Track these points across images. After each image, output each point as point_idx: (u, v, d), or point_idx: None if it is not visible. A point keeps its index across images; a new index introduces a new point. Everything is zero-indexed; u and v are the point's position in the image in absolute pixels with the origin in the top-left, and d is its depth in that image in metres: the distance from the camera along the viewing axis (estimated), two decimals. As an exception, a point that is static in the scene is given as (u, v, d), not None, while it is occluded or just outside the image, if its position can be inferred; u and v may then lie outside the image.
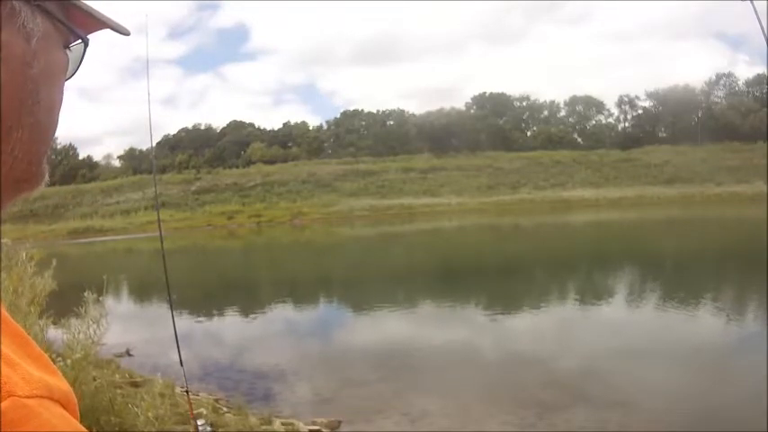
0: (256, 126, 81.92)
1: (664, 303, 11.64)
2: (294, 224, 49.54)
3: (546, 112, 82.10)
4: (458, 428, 5.82)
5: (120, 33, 0.61)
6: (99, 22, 0.59)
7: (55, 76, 0.55)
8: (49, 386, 0.40)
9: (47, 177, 0.56)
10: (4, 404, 0.36)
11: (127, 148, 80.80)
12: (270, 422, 5.84)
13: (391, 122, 79.94)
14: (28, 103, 0.51)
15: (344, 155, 70.97)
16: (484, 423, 5.86)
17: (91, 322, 4.38)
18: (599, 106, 79.90)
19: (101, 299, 4.61)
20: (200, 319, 12.79)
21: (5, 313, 0.44)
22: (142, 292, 17.23)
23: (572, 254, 21.34)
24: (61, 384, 0.43)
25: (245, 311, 13.68)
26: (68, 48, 0.57)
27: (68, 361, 4.07)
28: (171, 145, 77.85)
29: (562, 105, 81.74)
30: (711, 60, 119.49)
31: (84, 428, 0.43)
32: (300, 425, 5.81)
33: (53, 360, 0.49)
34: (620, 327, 9.96)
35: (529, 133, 79.14)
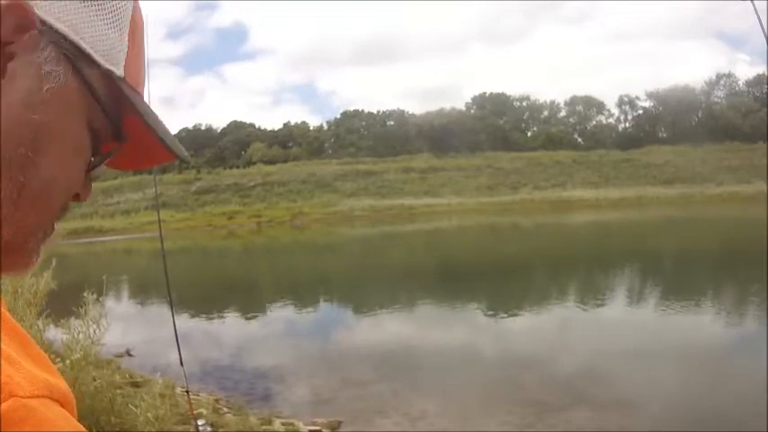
0: (257, 126, 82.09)
1: (664, 303, 11.64)
2: (294, 224, 49.53)
3: (546, 113, 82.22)
4: (458, 428, 5.82)
5: (175, 156, 0.55)
6: (147, 128, 0.52)
7: (65, 146, 0.47)
8: (50, 385, 0.40)
9: (32, 262, 0.49)
10: (5, 405, 0.36)
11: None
12: (270, 422, 5.84)
13: (391, 123, 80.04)
14: (19, 151, 0.44)
15: (345, 155, 71.04)
16: (484, 423, 5.86)
17: (90, 322, 4.38)
18: (599, 106, 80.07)
19: (100, 299, 4.61)
20: (201, 319, 12.79)
21: (6, 312, 0.43)
22: (142, 293, 17.23)
23: (572, 254, 21.33)
24: (60, 383, 0.42)
25: (246, 311, 13.68)
26: (99, 136, 0.50)
27: (68, 361, 4.07)
28: (171, 145, 77.85)
29: (562, 105, 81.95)
30: (711, 60, 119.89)
31: (82, 427, 0.42)
32: (300, 425, 5.81)
33: (52, 361, 0.47)
34: (619, 327, 9.96)
35: (529, 133, 79.26)
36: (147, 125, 0.52)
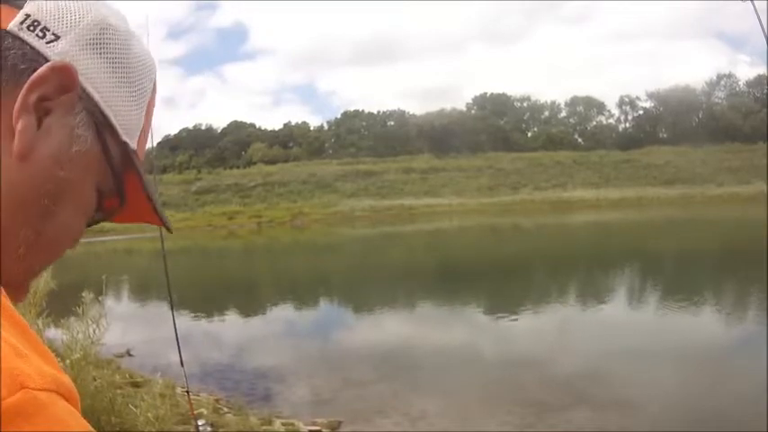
0: (257, 126, 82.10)
1: (664, 304, 11.64)
2: (294, 224, 49.55)
3: (546, 113, 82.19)
4: (458, 428, 5.82)
5: (162, 225, 0.62)
6: (144, 196, 0.57)
7: (78, 203, 0.52)
8: (57, 380, 0.41)
9: (25, 297, 0.53)
10: (16, 396, 0.36)
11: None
12: (270, 422, 5.84)
13: (392, 123, 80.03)
14: (43, 202, 0.48)
15: (345, 155, 71.04)
16: (484, 423, 5.85)
17: (90, 322, 4.39)
18: (600, 107, 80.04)
19: (100, 299, 4.61)
20: (201, 319, 12.79)
21: (11, 306, 0.44)
22: (143, 293, 17.23)
23: (572, 255, 21.33)
24: (66, 379, 0.43)
25: (246, 312, 13.68)
26: (103, 196, 0.55)
27: (68, 361, 4.07)
28: (171, 145, 77.94)
29: (563, 106, 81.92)
30: (712, 61, 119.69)
31: (87, 423, 0.43)
32: (300, 425, 5.81)
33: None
34: (620, 327, 9.95)
35: (529, 134, 79.25)
36: (150, 198, 0.58)
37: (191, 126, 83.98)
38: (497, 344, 9.47)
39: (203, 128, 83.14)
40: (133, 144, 0.56)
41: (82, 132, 0.50)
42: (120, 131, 0.54)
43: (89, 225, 0.57)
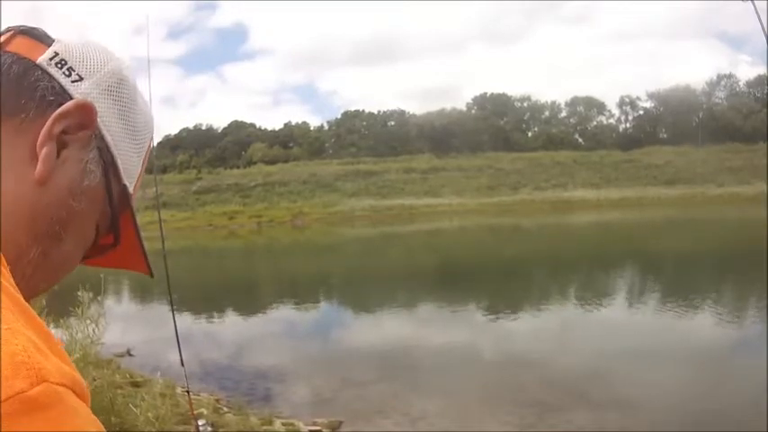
0: (257, 126, 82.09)
1: (664, 304, 11.63)
2: (295, 224, 49.54)
3: (547, 113, 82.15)
4: (458, 429, 5.82)
5: (143, 272, 0.66)
6: (136, 239, 0.62)
7: (81, 235, 0.55)
8: (73, 378, 0.42)
9: None
10: (38, 388, 0.37)
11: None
12: (270, 422, 5.83)
13: (392, 123, 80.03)
14: (55, 228, 0.51)
15: (345, 155, 71.03)
16: (484, 423, 5.85)
17: (89, 322, 4.38)
18: (600, 107, 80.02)
19: (99, 299, 4.61)
20: (201, 319, 12.79)
21: (29, 307, 0.45)
22: (143, 293, 17.22)
23: (573, 255, 21.33)
24: (80, 378, 0.45)
25: (246, 311, 13.68)
26: (99, 233, 0.58)
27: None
28: (172, 145, 77.96)
29: (563, 106, 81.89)
30: (712, 61, 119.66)
31: (97, 420, 0.44)
32: (301, 425, 5.80)
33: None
34: (620, 327, 9.95)
35: (530, 134, 79.23)
36: (139, 240, 0.63)
37: (191, 126, 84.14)
38: (497, 344, 9.47)
39: (204, 128, 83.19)
40: (131, 188, 0.60)
41: (93, 168, 0.54)
42: (122, 173, 0.58)
43: (82, 259, 0.59)
